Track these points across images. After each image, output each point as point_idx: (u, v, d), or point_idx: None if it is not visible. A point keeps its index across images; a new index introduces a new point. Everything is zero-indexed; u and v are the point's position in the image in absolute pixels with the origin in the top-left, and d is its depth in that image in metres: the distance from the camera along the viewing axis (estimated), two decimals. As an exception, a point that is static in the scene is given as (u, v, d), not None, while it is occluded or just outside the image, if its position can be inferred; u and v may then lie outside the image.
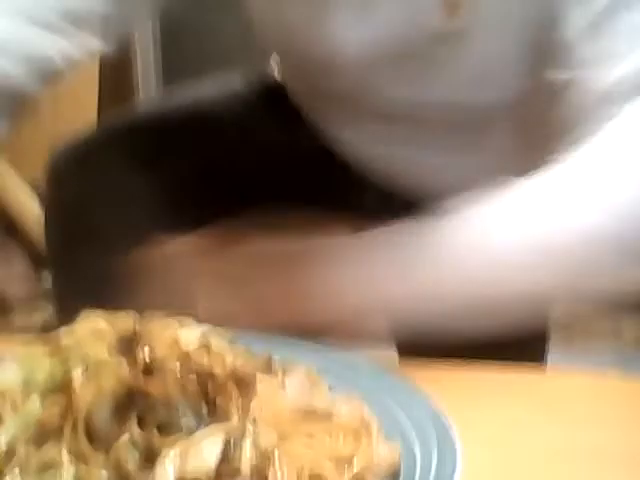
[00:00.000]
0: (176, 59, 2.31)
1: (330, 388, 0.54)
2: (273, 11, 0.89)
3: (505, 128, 0.84)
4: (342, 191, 1.05)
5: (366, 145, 0.94)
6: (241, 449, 0.43)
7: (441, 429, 0.49)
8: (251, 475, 0.42)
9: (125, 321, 0.49)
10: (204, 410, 0.45)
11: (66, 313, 1.02)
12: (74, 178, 0.98)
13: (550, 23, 0.67)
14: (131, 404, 0.43)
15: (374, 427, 0.49)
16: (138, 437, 0.42)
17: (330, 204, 1.10)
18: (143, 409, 0.43)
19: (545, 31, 0.68)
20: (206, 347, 0.48)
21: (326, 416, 0.49)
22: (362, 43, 0.78)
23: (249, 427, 0.44)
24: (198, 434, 0.43)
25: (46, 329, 1.04)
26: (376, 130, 0.90)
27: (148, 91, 2.32)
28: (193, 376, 0.45)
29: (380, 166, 0.96)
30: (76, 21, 0.81)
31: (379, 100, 0.86)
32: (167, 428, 0.43)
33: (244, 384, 0.48)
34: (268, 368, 0.51)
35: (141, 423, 0.43)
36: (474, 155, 0.88)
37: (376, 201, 1.01)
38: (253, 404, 0.47)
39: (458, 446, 0.47)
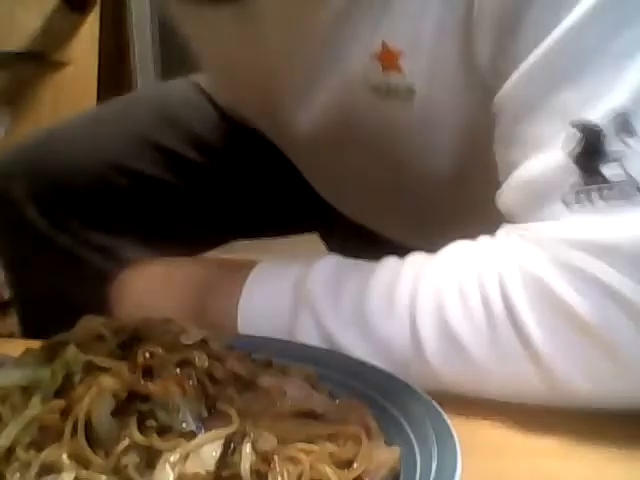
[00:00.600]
0: (175, 56, 2.31)
1: (330, 392, 0.54)
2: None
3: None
4: (313, 216, 1.05)
5: (333, 187, 0.94)
6: (241, 453, 0.43)
7: (441, 432, 0.49)
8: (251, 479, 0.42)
9: (125, 325, 0.48)
10: (204, 413, 0.44)
11: (27, 318, 1.02)
12: (19, 180, 0.96)
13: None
14: (131, 407, 0.43)
15: (374, 431, 0.49)
16: (138, 441, 0.42)
17: (300, 227, 1.10)
18: (143, 412, 0.43)
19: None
20: (206, 351, 0.48)
21: (326, 420, 0.49)
22: (312, 113, 0.78)
23: (249, 431, 0.44)
24: (198, 438, 0.43)
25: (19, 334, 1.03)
26: (342, 179, 0.90)
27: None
28: (193, 379, 0.45)
29: (347, 204, 0.97)
30: None
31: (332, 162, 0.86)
32: (167, 431, 0.43)
33: (244, 388, 0.49)
34: (268, 372, 0.51)
35: (141, 426, 0.43)
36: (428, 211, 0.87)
37: (344, 229, 1.01)
38: (253, 408, 0.47)
39: (458, 448, 0.47)
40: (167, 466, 0.41)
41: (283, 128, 0.84)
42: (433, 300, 0.58)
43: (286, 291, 0.63)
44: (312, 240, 1.12)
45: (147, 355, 0.45)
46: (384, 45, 0.67)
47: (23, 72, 2.08)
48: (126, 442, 0.42)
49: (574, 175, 0.55)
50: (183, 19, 0.85)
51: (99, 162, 0.96)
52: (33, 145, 1.01)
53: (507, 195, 0.60)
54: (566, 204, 0.55)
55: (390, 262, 0.63)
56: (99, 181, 0.96)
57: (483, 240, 0.61)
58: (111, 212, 0.97)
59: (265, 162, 1.01)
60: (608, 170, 0.54)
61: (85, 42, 2.16)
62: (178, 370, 0.45)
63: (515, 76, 0.58)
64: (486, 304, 0.56)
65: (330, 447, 0.46)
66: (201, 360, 0.46)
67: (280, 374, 0.52)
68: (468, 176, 0.77)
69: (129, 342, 0.47)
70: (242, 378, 0.48)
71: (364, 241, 0.97)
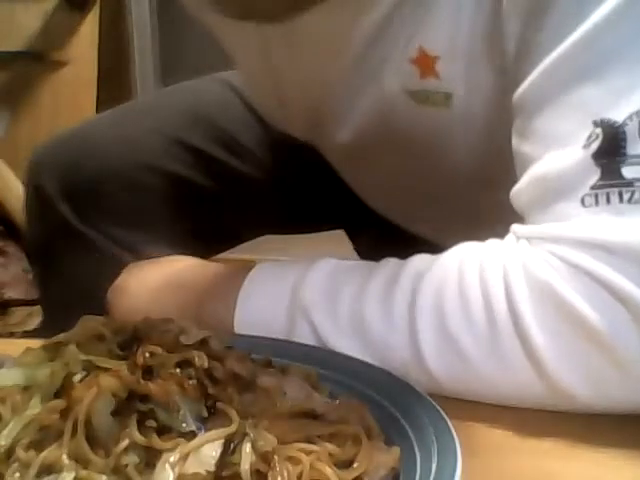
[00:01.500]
0: (174, 59, 2.31)
1: (330, 392, 0.54)
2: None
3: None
4: (344, 213, 1.05)
5: (367, 188, 0.95)
6: (241, 453, 0.43)
7: (441, 432, 0.49)
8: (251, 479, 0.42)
9: (125, 325, 0.48)
10: (204, 413, 0.44)
11: (53, 315, 1.01)
12: (53, 176, 0.96)
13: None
14: (131, 407, 0.43)
15: (374, 431, 0.49)
16: (138, 441, 0.42)
17: (330, 224, 1.10)
18: (143, 412, 0.43)
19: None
20: (206, 351, 0.48)
21: (326, 420, 0.49)
22: (352, 124, 0.78)
23: (249, 431, 0.44)
24: (198, 438, 0.43)
25: (43, 331, 1.03)
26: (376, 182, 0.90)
27: (146, 92, 2.32)
28: (193, 379, 0.45)
29: (382, 204, 0.97)
30: None
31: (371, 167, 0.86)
32: (167, 431, 0.43)
33: (244, 388, 0.49)
34: (268, 372, 0.51)
35: (141, 426, 0.43)
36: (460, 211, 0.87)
37: (374, 227, 1.01)
38: (253, 408, 0.47)
39: (458, 448, 0.47)
40: (167, 466, 0.41)
41: (324, 138, 0.85)
42: (433, 302, 0.57)
43: (283, 297, 0.63)
44: (313, 239, 1.12)
45: (147, 355, 0.45)
46: (421, 50, 0.67)
47: (22, 72, 2.08)
48: (126, 442, 0.42)
49: (594, 175, 0.54)
50: (226, 36, 0.85)
51: (131, 163, 0.96)
52: (67, 141, 1.00)
53: (523, 190, 0.59)
54: (584, 204, 0.54)
55: (390, 264, 0.62)
56: (131, 181, 0.96)
57: (490, 243, 0.60)
58: (142, 212, 0.97)
59: (297, 160, 1.01)
60: (629, 172, 0.53)
61: (85, 41, 2.16)
62: (178, 370, 0.45)
63: (539, 69, 0.57)
64: (488, 306, 0.55)
65: (330, 447, 0.46)
66: (201, 360, 0.46)
67: (280, 374, 0.52)
68: (500, 176, 0.77)
69: (129, 342, 0.47)
70: (242, 378, 0.48)
71: (393, 240, 0.97)
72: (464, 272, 0.58)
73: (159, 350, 0.46)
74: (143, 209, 0.97)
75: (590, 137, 0.54)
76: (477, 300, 0.56)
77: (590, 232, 0.53)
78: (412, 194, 0.87)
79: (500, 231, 0.61)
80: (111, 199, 0.95)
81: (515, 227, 0.59)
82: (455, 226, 0.84)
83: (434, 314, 0.57)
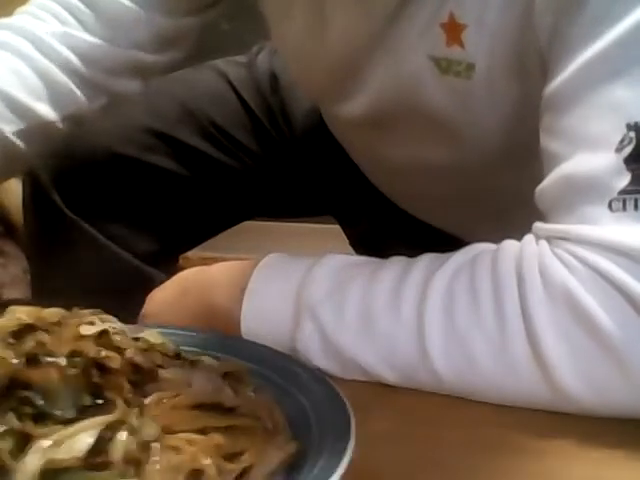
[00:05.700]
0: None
1: (255, 388, 0.53)
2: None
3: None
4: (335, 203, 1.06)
5: (381, 168, 0.94)
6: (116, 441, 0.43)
7: (340, 430, 0.47)
8: (128, 466, 0.43)
9: (24, 313, 0.49)
10: (86, 401, 0.45)
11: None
12: (46, 165, 0.97)
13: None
14: (12, 393, 0.44)
15: (280, 426, 0.49)
16: (14, 426, 0.43)
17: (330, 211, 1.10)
18: (22, 399, 0.44)
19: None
20: (105, 342, 0.48)
21: (230, 413, 0.49)
22: (369, 92, 0.78)
23: (130, 420, 0.44)
24: (74, 426, 0.43)
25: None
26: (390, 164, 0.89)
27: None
28: (78, 368, 0.45)
29: (390, 186, 0.96)
30: None
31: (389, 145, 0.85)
32: (45, 419, 0.44)
33: (149, 378, 0.49)
34: (175, 363, 0.52)
35: (20, 413, 0.44)
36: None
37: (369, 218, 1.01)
38: (148, 398, 0.47)
39: (348, 453, 0.45)
40: (37, 451, 0.42)
41: (342, 109, 0.84)
42: (442, 300, 0.57)
43: (288, 296, 0.62)
44: (312, 235, 1.12)
45: (33, 344, 0.46)
46: (451, 16, 0.67)
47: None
48: (3, 428, 0.43)
49: (624, 180, 0.53)
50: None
51: (119, 153, 0.98)
52: None
53: (548, 189, 0.58)
54: (611, 208, 0.53)
55: (399, 262, 0.62)
56: (119, 173, 0.98)
57: (505, 243, 0.59)
58: (128, 202, 0.99)
59: (287, 152, 1.02)
60: None
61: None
62: (64, 358, 0.46)
63: (572, 66, 0.56)
64: (499, 303, 0.55)
65: (218, 439, 0.46)
66: (92, 351, 0.46)
67: (189, 366, 0.52)
68: (526, 161, 0.75)
69: (22, 330, 0.48)
70: (140, 368, 0.48)
71: (389, 233, 0.97)
72: (476, 270, 0.57)
73: (52, 339, 0.47)
74: (129, 200, 0.99)
75: (623, 141, 0.53)
76: (488, 298, 0.55)
77: (615, 237, 0.52)
78: (430, 173, 0.86)
79: (519, 228, 0.60)
80: (99, 189, 0.97)
81: (537, 225, 0.58)
82: (472, 213, 0.83)
83: (443, 312, 0.56)
